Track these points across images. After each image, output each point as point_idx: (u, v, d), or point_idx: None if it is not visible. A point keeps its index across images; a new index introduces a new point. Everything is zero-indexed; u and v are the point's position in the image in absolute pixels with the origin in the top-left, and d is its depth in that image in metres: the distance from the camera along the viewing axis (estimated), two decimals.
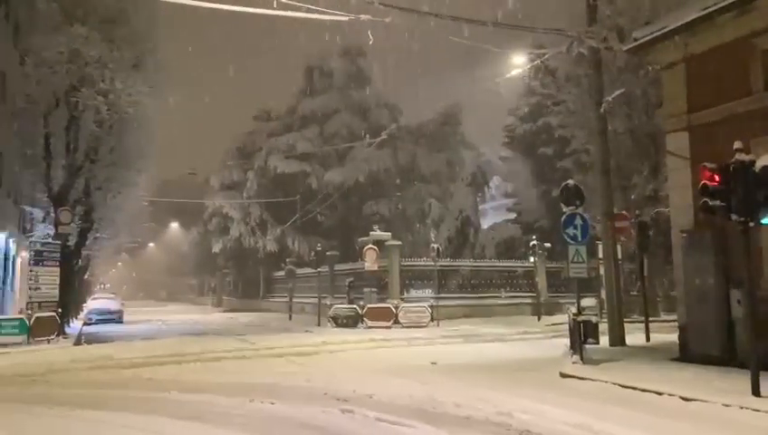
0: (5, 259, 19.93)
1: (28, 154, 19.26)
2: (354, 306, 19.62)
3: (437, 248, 22.07)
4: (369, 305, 19.54)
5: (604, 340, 12.12)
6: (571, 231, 11.25)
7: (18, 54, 18.42)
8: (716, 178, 7.74)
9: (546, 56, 15.83)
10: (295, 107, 43.46)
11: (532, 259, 24.52)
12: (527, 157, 33.01)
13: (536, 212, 31.61)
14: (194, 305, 54.66)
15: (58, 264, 17.43)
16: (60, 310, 17.23)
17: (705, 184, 7.79)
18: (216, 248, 39.82)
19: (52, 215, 19.03)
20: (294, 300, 33.16)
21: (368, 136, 39.28)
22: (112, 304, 29.88)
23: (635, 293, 20.81)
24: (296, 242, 37.90)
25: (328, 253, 28.57)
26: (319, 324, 20.99)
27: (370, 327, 18.97)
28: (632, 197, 21.93)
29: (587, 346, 10.28)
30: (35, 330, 15.93)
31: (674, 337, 11.15)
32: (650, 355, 11.31)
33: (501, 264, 23.95)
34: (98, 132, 18.83)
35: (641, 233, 15.34)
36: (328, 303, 27.36)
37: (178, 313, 38.47)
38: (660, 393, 7.88)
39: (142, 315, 33.75)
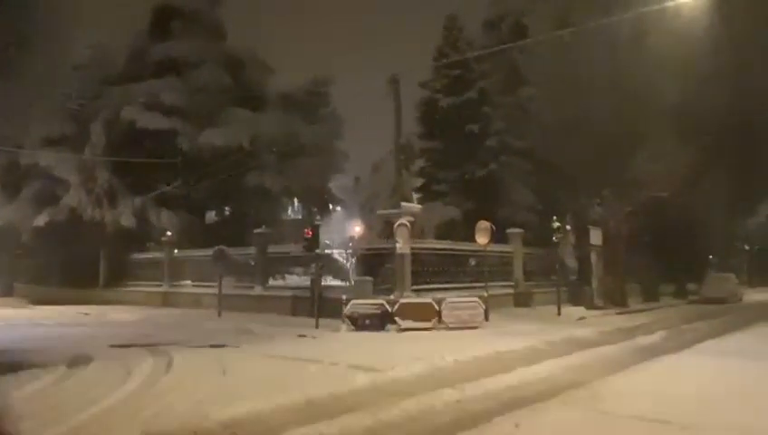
0: None
1: None
2: (381, 302, 14.86)
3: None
4: (401, 301, 14.96)
5: None
6: None
7: None
8: None
9: None
10: (144, 50, 34.87)
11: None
12: (447, 135, 30.53)
13: (461, 194, 29.39)
14: None
15: None
16: None
17: None
18: (41, 221, 29.71)
19: None
20: (182, 290, 26.29)
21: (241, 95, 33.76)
22: None
23: None
24: (161, 217, 30.07)
25: (256, 231, 22.82)
26: (317, 326, 15.46)
27: (405, 329, 14.50)
28: None
29: None
30: None
31: None
32: None
33: (494, 249, 20.66)
34: None
35: None
36: (254, 293, 21.80)
37: None
38: None
39: None
